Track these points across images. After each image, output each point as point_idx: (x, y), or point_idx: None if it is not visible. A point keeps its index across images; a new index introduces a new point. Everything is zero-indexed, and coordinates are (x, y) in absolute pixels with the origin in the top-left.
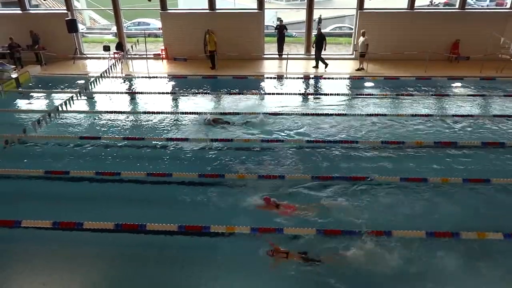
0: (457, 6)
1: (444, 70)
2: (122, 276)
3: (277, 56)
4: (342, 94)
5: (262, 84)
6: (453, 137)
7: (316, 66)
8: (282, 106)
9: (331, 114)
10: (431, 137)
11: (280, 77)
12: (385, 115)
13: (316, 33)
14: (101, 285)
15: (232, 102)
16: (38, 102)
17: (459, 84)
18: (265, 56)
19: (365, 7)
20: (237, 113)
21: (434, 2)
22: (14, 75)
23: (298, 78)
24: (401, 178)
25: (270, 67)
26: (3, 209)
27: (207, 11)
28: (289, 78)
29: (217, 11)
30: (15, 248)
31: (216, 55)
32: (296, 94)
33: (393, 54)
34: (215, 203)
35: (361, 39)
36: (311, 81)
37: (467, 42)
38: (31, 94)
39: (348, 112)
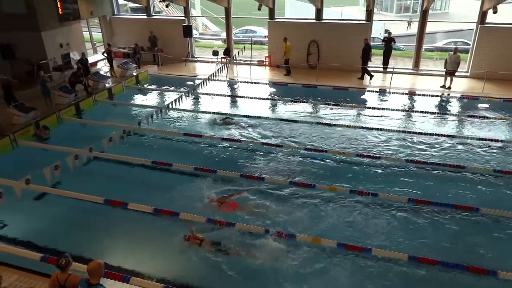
0: None
1: None
2: (209, 267)
3: (382, 69)
4: (452, 114)
5: (363, 97)
6: None
7: (361, 78)
8: (382, 122)
9: (438, 135)
10: None
11: (382, 92)
12: (501, 141)
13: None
14: (184, 271)
15: (328, 113)
16: (152, 99)
17: None
18: (368, 68)
19: (487, 21)
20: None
21: None
22: (134, 73)
23: (402, 93)
24: None
25: (373, 80)
26: (116, 191)
27: (314, 21)
28: (393, 93)
29: (324, 21)
30: (121, 226)
31: (318, 63)
32: (398, 110)
33: None
34: None
35: (452, 55)
36: (416, 98)
37: None
38: (147, 91)
39: (457, 134)
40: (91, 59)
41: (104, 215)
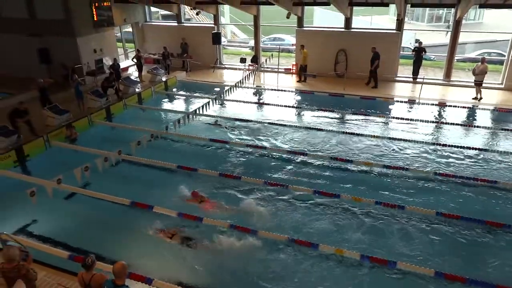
0: None
1: None
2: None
3: (411, 79)
4: (483, 127)
5: (391, 107)
6: None
7: (368, 83)
8: (410, 133)
9: (468, 148)
10: None
11: (411, 102)
12: None
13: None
14: (196, 273)
15: (355, 122)
16: (180, 104)
17: None
18: (397, 78)
19: None
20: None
21: None
22: (164, 79)
23: (432, 104)
24: None
25: (402, 90)
26: (142, 193)
27: (342, 29)
28: (422, 103)
29: (353, 30)
30: (142, 227)
31: (346, 72)
32: (428, 121)
33: None
34: None
35: (479, 65)
36: (446, 109)
37: None
38: (176, 96)
39: (489, 148)
40: (122, 64)
41: (130, 216)
